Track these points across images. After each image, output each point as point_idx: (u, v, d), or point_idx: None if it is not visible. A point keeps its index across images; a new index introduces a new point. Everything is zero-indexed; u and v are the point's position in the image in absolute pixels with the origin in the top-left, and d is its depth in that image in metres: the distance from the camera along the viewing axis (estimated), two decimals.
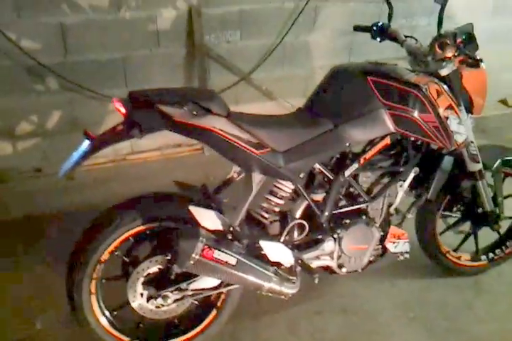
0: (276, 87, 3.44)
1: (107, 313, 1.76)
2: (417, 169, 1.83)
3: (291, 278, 1.72)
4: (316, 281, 1.78)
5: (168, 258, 1.67)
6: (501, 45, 3.94)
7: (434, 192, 1.88)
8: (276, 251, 1.68)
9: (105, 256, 1.67)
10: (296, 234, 1.77)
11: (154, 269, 1.69)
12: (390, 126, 1.69)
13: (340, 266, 1.85)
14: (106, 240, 1.64)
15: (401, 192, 1.83)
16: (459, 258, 2.22)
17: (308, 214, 1.78)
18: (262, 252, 1.67)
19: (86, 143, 1.55)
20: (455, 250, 2.22)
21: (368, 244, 1.84)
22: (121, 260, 1.74)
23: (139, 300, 1.70)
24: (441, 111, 1.68)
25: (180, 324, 1.86)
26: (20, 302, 2.11)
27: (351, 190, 1.83)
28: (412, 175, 1.83)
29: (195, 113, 1.48)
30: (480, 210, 2.06)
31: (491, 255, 2.26)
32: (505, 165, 2.04)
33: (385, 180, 1.85)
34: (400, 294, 2.19)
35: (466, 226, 2.17)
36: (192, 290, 1.69)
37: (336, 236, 1.78)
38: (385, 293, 2.20)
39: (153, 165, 3.26)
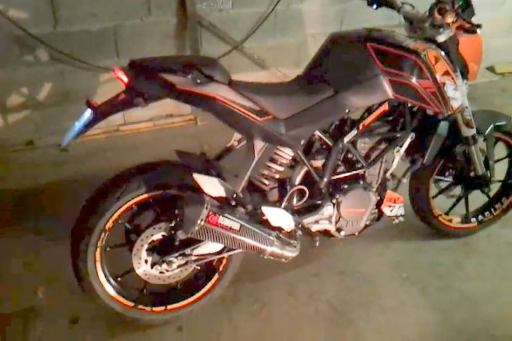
0: (268, 55, 3.41)
1: (112, 280, 1.79)
2: (413, 134, 1.86)
3: (292, 241, 1.76)
4: (317, 244, 1.84)
5: (172, 225, 1.69)
6: (490, 12, 3.93)
7: (430, 157, 1.91)
8: (278, 216, 1.71)
9: (109, 224, 1.68)
10: (296, 199, 1.81)
11: (158, 236, 1.71)
12: (389, 92, 1.70)
13: (338, 230, 1.90)
14: (110, 208, 1.64)
15: (397, 157, 1.87)
16: (450, 220, 2.29)
17: (308, 180, 1.81)
18: (264, 217, 1.70)
19: (88, 112, 1.53)
20: (446, 213, 2.29)
21: (365, 208, 1.90)
22: (124, 228, 1.76)
23: (143, 266, 1.73)
24: (438, 77, 1.69)
25: (183, 288, 1.90)
26: (20, 272, 2.12)
27: (349, 156, 1.86)
28: (408, 141, 1.86)
29: (198, 81, 1.47)
30: (472, 174, 2.11)
31: (480, 217, 2.33)
32: (497, 130, 2.08)
33: (382, 145, 1.89)
34: (394, 256, 2.26)
35: (457, 190, 2.23)
36: (195, 255, 1.73)
37: (334, 201, 1.83)
38: (379, 255, 2.26)
39: (146, 135, 3.23)
